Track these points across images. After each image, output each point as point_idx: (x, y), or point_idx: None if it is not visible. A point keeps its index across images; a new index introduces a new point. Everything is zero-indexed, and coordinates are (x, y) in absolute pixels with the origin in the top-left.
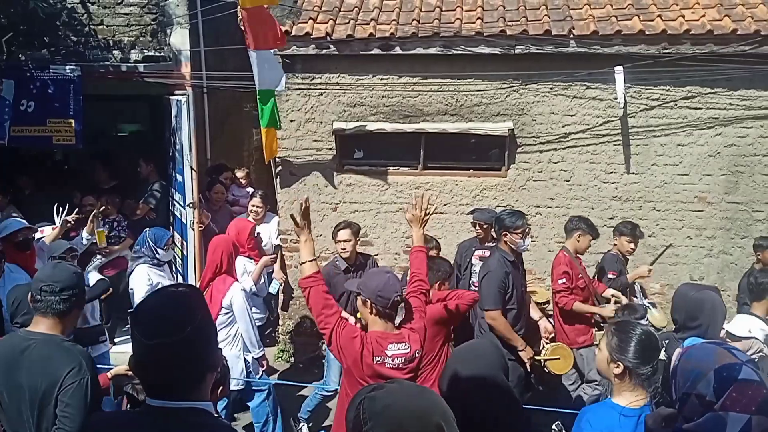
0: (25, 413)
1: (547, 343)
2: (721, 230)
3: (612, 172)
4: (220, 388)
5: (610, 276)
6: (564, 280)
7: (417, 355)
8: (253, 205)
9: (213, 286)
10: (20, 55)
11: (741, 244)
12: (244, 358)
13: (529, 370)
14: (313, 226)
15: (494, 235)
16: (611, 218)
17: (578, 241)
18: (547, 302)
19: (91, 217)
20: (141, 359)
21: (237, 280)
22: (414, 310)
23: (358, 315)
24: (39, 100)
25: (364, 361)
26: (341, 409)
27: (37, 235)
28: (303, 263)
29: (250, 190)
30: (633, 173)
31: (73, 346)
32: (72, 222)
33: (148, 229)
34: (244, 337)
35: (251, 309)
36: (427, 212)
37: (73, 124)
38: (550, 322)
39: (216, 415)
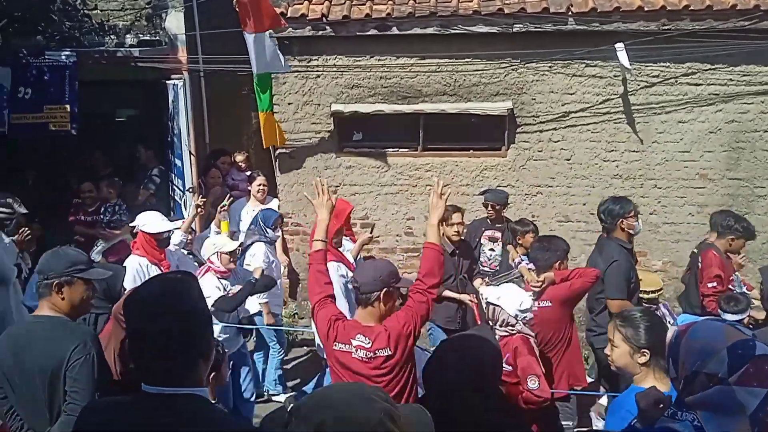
0: (38, 395)
1: None
2: (722, 207)
3: (613, 150)
4: (213, 374)
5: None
6: (715, 284)
7: (379, 354)
8: (260, 184)
9: None
10: (15, 43)
11: None
12: None
13: None
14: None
15: (606, 227)
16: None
17: (731, 245)
18: (660, 290)
19: (218, 209)
20: (134, 345)
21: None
22: (402, 309)
23: None
24: (35, 87)
25: (328, 343)
26: None
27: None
28: (314, 240)
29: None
30: (634, 151)
31: (77, 325)
32: (201, 207)
33: (261, 209)
34: None
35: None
36: (442, 198)
37: (69, 110)
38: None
39: (213, 402)
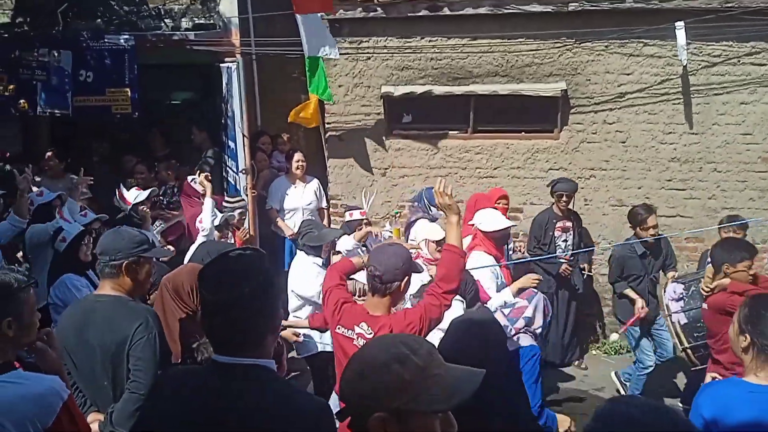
0: (98, 371)
1: None
2: None
3: (671, 133)
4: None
5: None
6: None
7: None
8: (298, 160)
9: None
10: (75, 26)
11: None
12: None
13: None
14: (362, 190)
15: None
16: (669, 180)
17: None
18: None
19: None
20: (206, 315)
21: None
22: (414, 306)
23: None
24: (96, 70)
25: (332, 325)
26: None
27: None
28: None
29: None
30: (693, 133)
31: (137, 304)
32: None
33: (425, 187)
34: None
35: None
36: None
37: (129, 93)
38: None
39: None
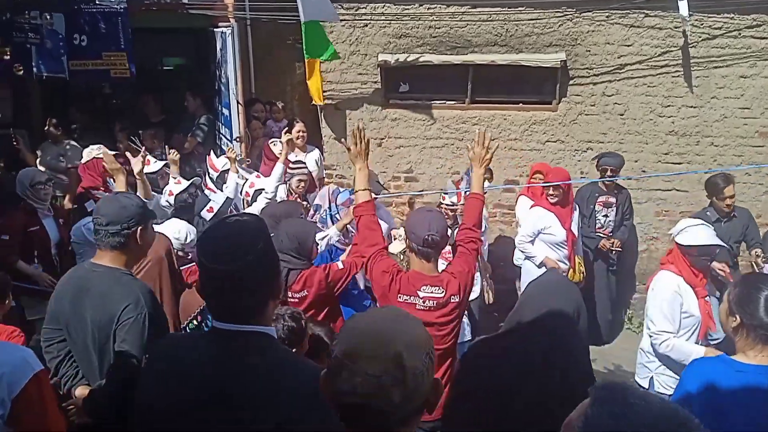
0: (89, 345)
1: None
2: None
3: (669, 106)
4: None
5: None
6: None
7: (452, 300)
8: (299, 131)
9: None
10: None
11: None
12: None
13: None
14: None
15: None
16: (666, 154)
17: None
18: None
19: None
20: (206, 283)
21: None
22: (460, 255)
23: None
24: (90, 33)
25: (390, 297)
26: None
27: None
28: (357, 191)
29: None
30: (691, 107)
31: (132, 280)
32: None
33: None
34: None
35: None
36: (489, 149)
37: (126, 57)
38: None
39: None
